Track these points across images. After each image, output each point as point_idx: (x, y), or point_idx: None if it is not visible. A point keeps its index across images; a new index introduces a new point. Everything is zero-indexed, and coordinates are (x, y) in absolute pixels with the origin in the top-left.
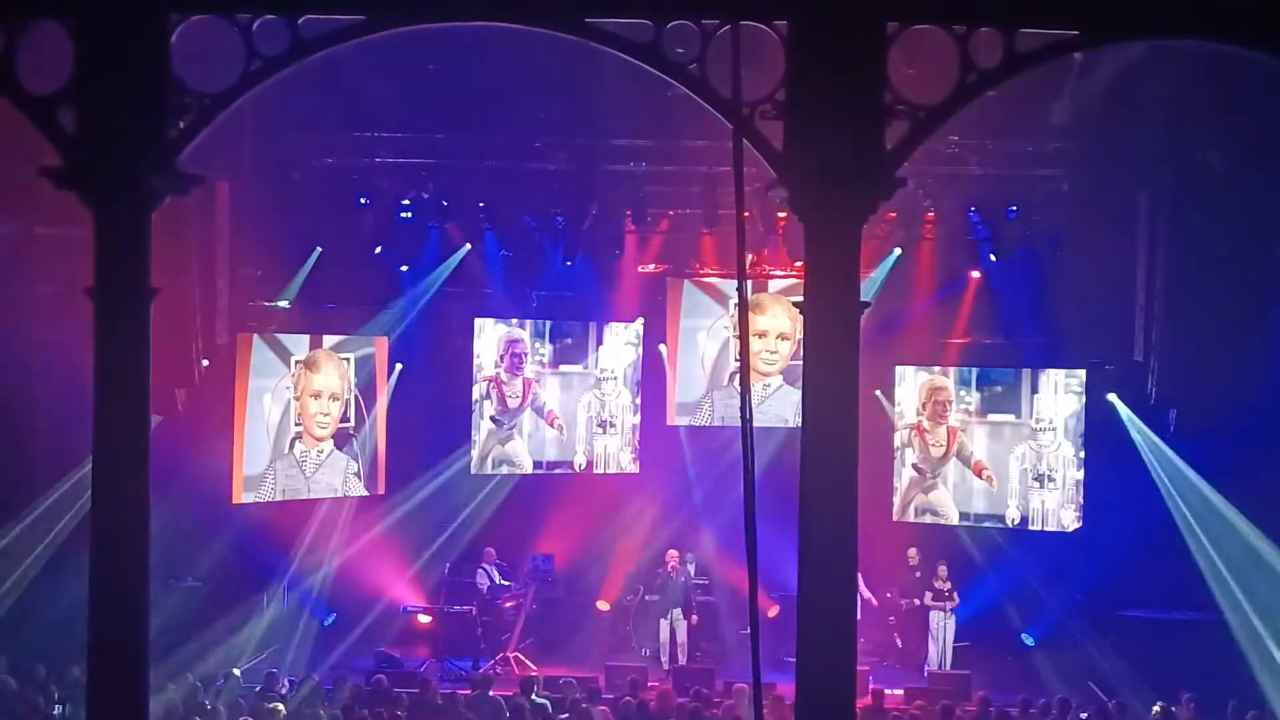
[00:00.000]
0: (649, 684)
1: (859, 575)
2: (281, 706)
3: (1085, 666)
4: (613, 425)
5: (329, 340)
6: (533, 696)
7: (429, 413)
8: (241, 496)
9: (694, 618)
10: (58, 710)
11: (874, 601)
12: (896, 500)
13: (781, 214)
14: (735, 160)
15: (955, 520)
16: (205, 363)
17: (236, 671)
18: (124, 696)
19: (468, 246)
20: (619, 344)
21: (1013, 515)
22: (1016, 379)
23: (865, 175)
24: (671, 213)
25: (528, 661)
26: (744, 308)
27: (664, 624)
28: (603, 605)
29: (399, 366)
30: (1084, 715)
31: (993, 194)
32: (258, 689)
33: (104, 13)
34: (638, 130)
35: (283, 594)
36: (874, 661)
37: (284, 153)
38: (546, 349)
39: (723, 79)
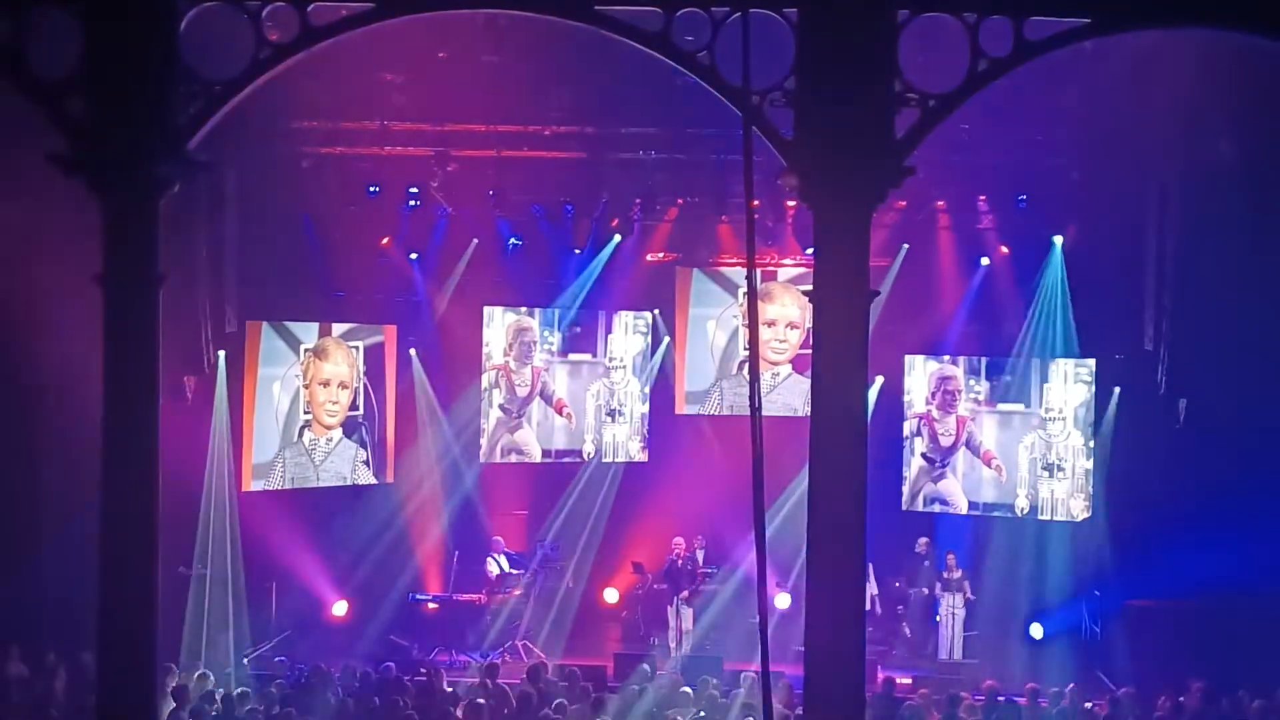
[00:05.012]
0: (657, 672)
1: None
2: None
3: (1094, 656)
4: (621, 414)
5: (338, 328)
6: (540, 685)
7: (438, 401)
8: (250, 484)
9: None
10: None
11: (875, 601)
12: (905, 489)
13: (791, 202)
14: (745, 148)
15: (964, 509)
16: (223, 354)
17: (245, 660)
18: (133, 684)
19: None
20: (628, 332)
21: (1022, 504)
22: (1026, 368)
23: (875, 163)
24: (681, 201)
25: (536, 650)
26: (753, 296)
27: (671, 611)
28: (611, 594)
29: (413, 353)
30: (1093, 705)
31: (1002, 182)
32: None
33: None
34: (647, 118)
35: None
36: (882, 650)
37: (293, 140)
38: (555, 337)
39: (732, 67)
